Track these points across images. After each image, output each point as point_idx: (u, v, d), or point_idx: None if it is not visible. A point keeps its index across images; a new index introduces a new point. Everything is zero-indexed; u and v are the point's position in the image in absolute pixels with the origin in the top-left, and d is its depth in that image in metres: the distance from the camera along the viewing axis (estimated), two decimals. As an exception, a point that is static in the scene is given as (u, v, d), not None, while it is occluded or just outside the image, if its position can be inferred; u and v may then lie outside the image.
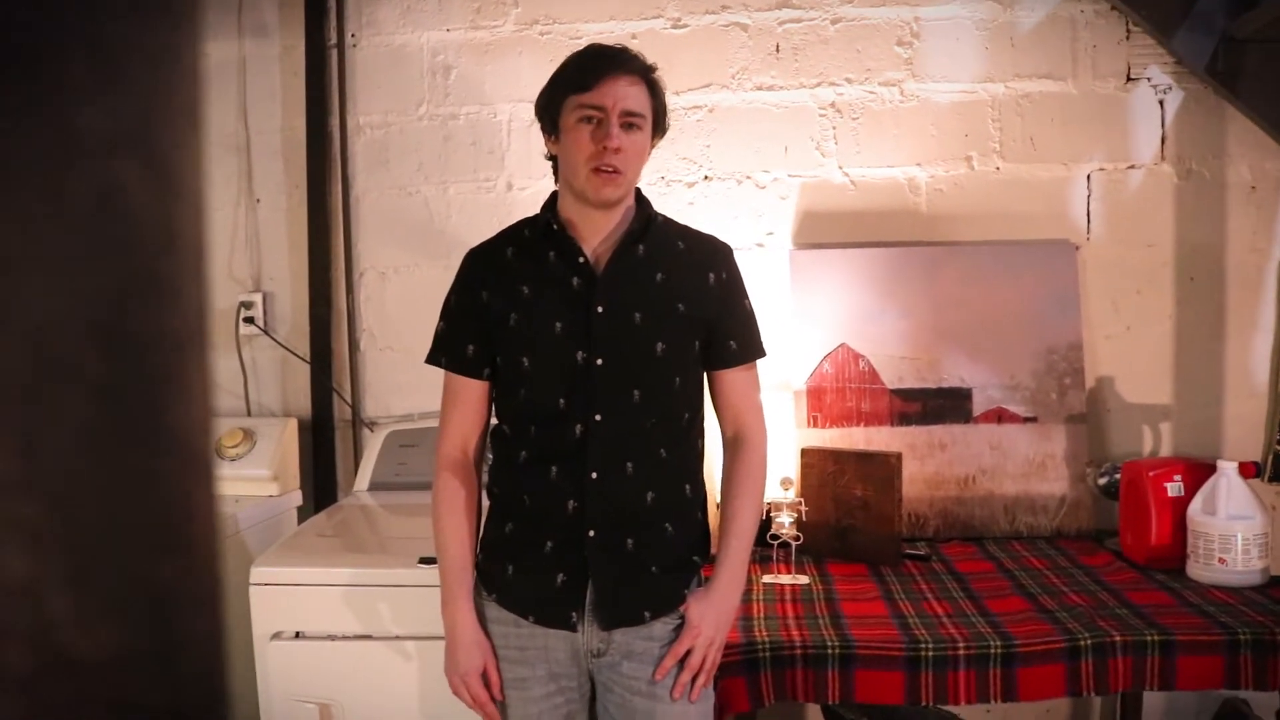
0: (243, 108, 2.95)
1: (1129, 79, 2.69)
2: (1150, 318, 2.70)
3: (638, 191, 1.77)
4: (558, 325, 1.68)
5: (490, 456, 1.82)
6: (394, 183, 2.90)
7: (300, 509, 2.78)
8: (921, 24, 2.74)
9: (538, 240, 1.75)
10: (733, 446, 1.79)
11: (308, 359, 2.90)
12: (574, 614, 1.68)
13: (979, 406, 2.66)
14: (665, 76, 2.68)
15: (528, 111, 2.82)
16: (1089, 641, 1.90)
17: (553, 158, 1.76)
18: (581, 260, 1.69)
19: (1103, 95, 2.70)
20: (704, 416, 1.80)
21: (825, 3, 2.75)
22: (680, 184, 2.79)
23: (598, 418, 1.66)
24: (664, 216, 1.79)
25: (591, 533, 1.66)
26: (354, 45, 2.90)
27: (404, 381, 2.91)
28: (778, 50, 2.77)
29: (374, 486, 2.60)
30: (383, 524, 2.44)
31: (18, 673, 0.26)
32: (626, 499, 1.68)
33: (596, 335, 1.67)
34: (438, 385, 2.88)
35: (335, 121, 2.89)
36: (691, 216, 2.63)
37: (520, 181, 2.86)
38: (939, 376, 2.67)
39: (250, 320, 2.91)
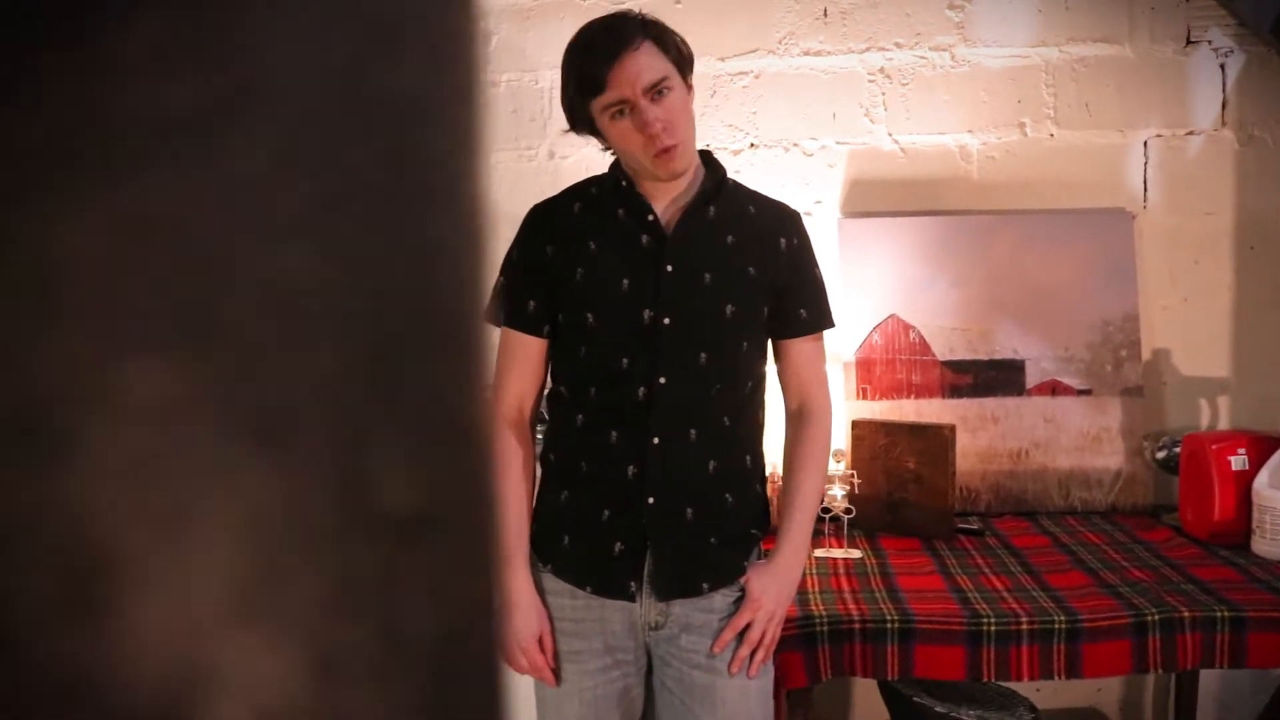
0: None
1: (1189, 42, 2.65)
2: (1209, 288, 2.67)
3: (708, 153, 1.76)
4: (625, 282, 1.66)
5: (545, 422, 1.81)
6: (433, 151, 2.88)
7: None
8: (974, -14, 2.70)
9: (606, 197, 1.74)
10: (796, 419, 1.78)
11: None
12: (632, 584, 1.67)
13: (1032, 379, 2.64)
14: (710, 42, 2.69)
15: (569, 78, 2.83)
16: (1156, 617, 1.88)
17: (609, 148, 1.73)
18: (651, 218, 1.68)
19: (1161, 59, 2.66)
20: (765, 388, 1.79)
21: (875, -35, 2.72)
22: (725, 151, 2.76)
23: (662, 380, 1.64)
24: (734, 180, 1.78)
25: (651, 500, 1.65)
26: (391, 11, 2.87)
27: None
28: (825, 15, 2.73)
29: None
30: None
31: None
32: (688, 467, 1.66)
33: (665, 294, 1.65)
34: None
35: (373, 89, 2.86)
36: (739, 185, 2.61)
37: (563, 150, 2.83)
38: (991, 348, 2.65)
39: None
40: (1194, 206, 2.66)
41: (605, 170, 1.80)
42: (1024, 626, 1.90)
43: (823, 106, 2.74)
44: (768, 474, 1.86)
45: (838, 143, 2.75)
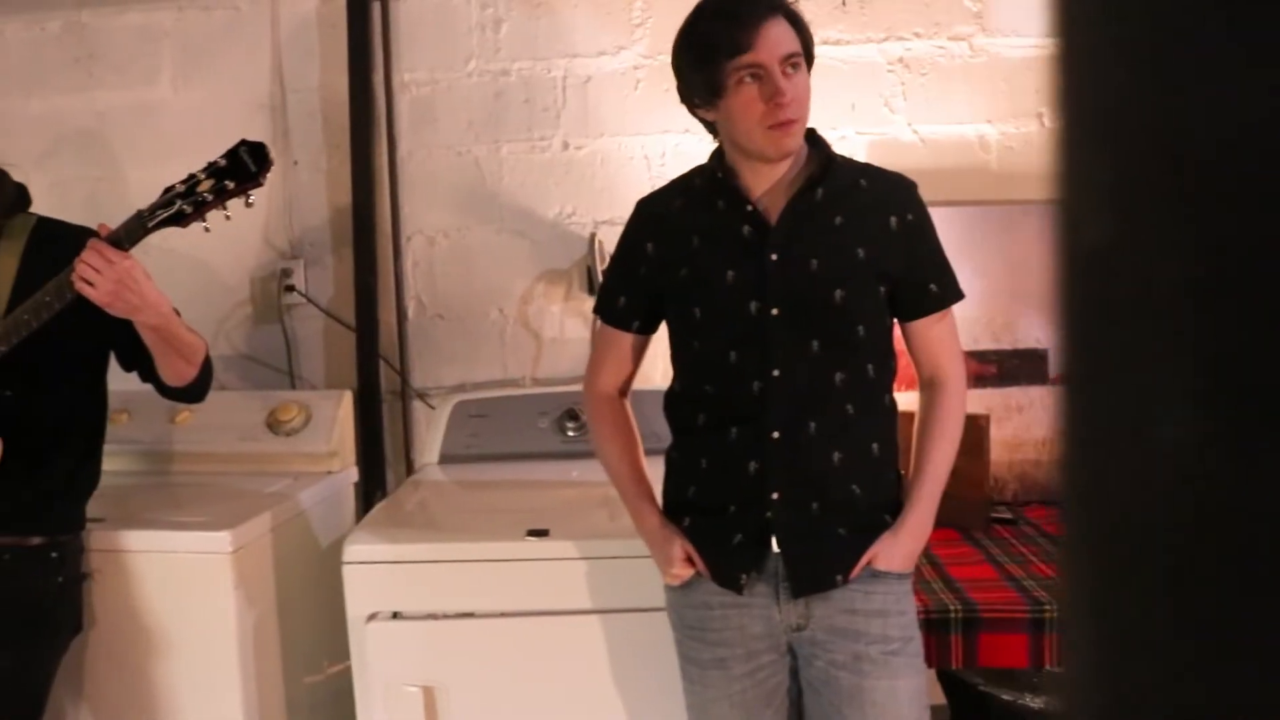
0: (277, 64, 2.89)
1: (1202, 32, 2.73)
2: (1223, 275, 2.76)
3: (813, 132, 1.74)
4: (729, 274, 1.66)
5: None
6: (442, 142, 2.86)
7: (356, 485, 2.75)
8: (992, -24, 2.76)
9: (705, 189, 1.74)
10: (929, 389, 1.77)
11: (353, 327, 2.86)
12: (744, 576, 1.67)
13: (1055, 367, 2.70)
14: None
15: (583, 67, 2.84)
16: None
17: (703, 120, 1.73)
18: (750, 208, 1.68)
19: (1175, 49, 2.74)
20: (894, 370, 1.76)
21: (893, -46, 2.76)
22: (744, 142, 2.78)
23: (775, 373, 1.65)
24: (844, 156, 1.76)
25: (775, 495, 1.65)
26: (397, -2, 2.85)
27: (456, 351, 2.89)
28: (844, 4, 2.77)
29: (444, 460, 2.58)
30: (472, 497, 2.42)
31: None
32: (811, 460, 1.66)
33: (771, 284, 1.65)
34: (491, 354, 2.89)
35: (379, 78, 2.83)
36: (764, 175, 2.64)
37: (577, 140, 2.83)
38: (1014, 337, 2.71)
39: (291, 288, 2.86)
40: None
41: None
42: (1086, 612, 1.95)
43: (842, 96, 2.78)
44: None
45: (857, 132, 2.79)
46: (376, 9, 2.83)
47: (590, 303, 2.81)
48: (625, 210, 2.74)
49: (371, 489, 2.81)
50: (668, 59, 2.75)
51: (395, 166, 2.86)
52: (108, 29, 2.95)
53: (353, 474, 2.72)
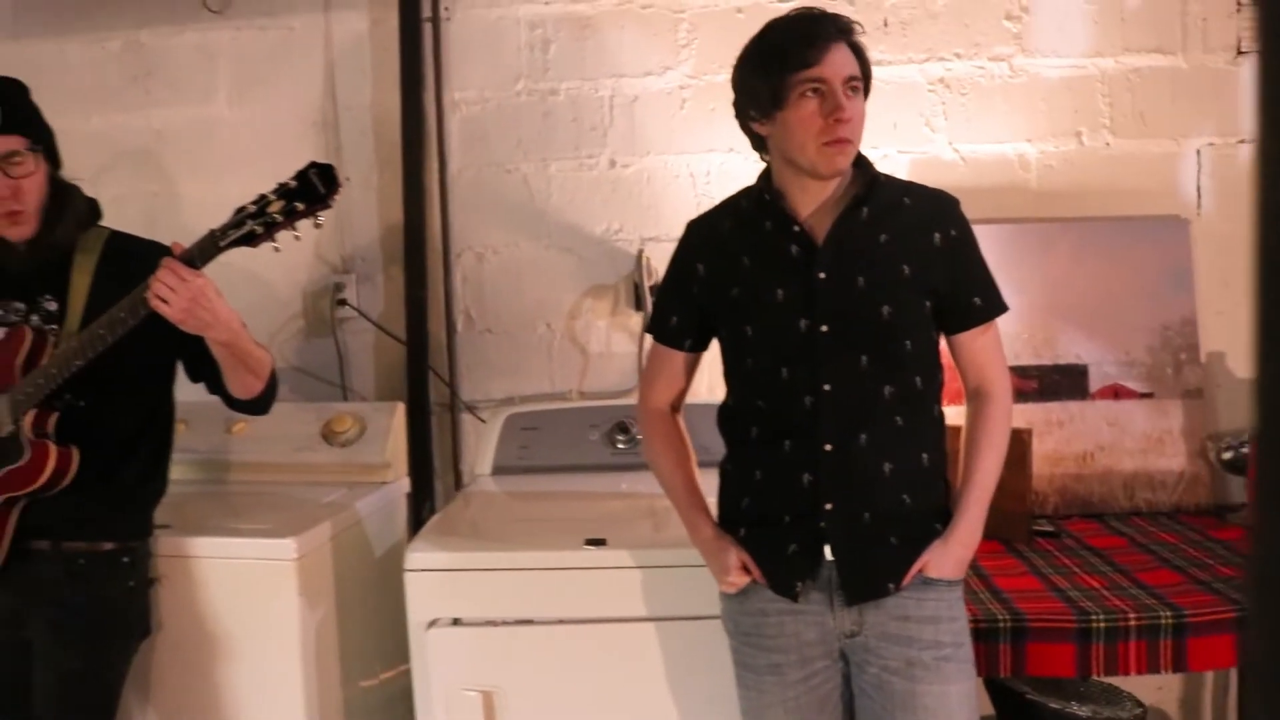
0: (330, 83, 2.99)
1: (1240, 52, 2.80)
2: (1261, 293, 2.82)
3: (858, 154, 1.80)
4: (779, 293, 1.74)
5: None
6: (492, 160, 2.95)
7: (407, 495, 2.83)
8: (1031, -2, 2.83)
9: (753, 210, 1.81)
10: (975, 400, 1.84)
11: (404, 341, 2.94)
12: (799, 584, 1.74)
13: (1095, 382, 2.76)
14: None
15: (630, 87, 2.92)
16: (1259, 611, 2.00)
17: (755, 135, 1.80)
18: (797, 229, 1.75)
19: (1213, 69, 2.81)
20: (941, 382, 1.83)
21: (935, -24, 2.84)
22: (788, 160, 2.86)
23: (826, 388, 1.72)
24: (887, 175, 1.83)
25: (828, 506, 1.72)
26: (448, 19, 2.94)
27: (504, 364, 2.97)
28: (885, 25, 2.85)
29: (497, 470, 2.66)
30: (526, 507, 2.50)
31: None
32: (862, 471, 1.73)
33: (819, 302, 1.72)
34: (539, 368, 2.97)
35: (430, 97, 2.93)
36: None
37: (624, 158, 2.92)
38: (1055, 353, 2.77)
39: (343, 303, 2.95)
40: (1246, 213, 2.79)
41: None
42: (1131, 623, 2.00)
43: (883, 116, 2.85)
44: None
45: (899, 151, 2.86)
46: (428, 30, 2.92)
47: (636, 318, 2.91)
48: (671, 227, 2.87)
49: (420, 500, 2.89)
50: (713, 79, 2.88)
51: (446, 184, 2.95)
52: (166, 48, 3.05)
53: (405, 484, 2.80)
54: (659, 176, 2.92)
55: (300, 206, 1.83)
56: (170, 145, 3.07)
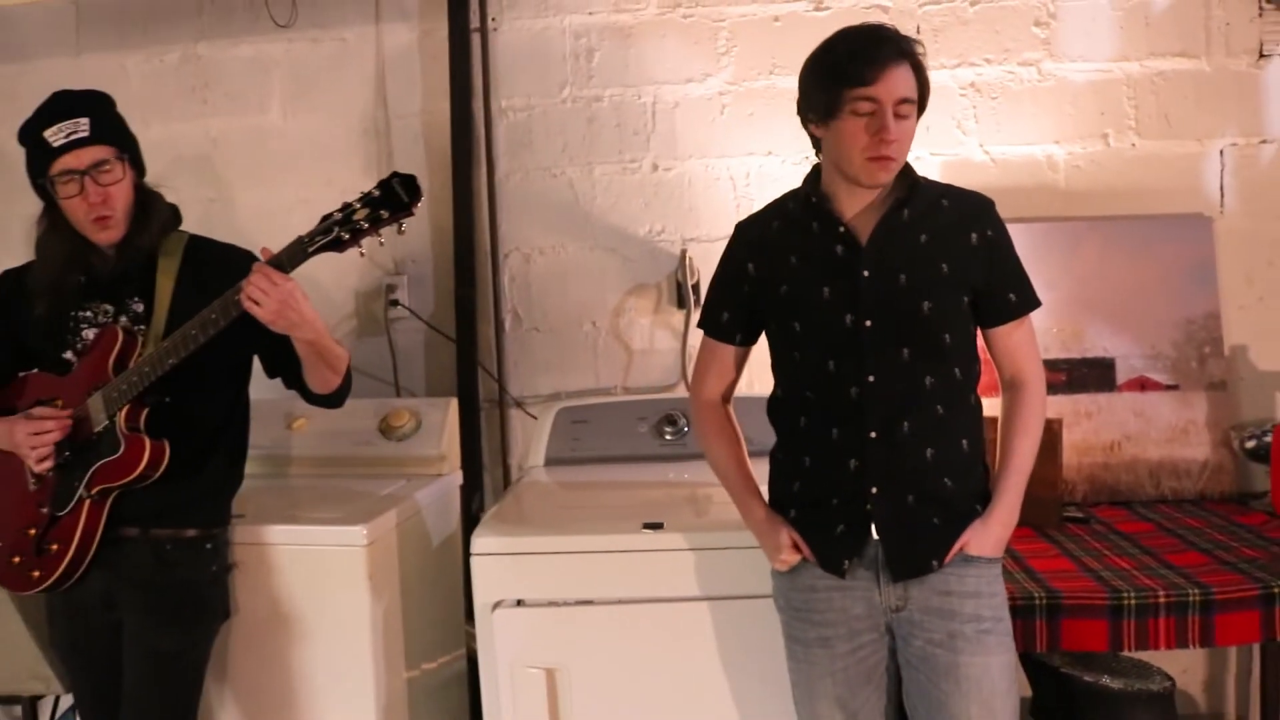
0: (381, 92, 3.15)
1: (1262, 55, 2.94)
2: (1282, 288, 2.97)
3: None
4: (825, 290, 1.88)
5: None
6: (538, 164, 3.11)
7: (460, 487, 2.98)
8: (1058, 5, 2.98)
9: (800, 212, 1.95)
10: (1010, 389, 1.98)
11: (454, 339, 3.10)
12: (846, 562, 1.89)
13: (1122, 375, 2.90)
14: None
15: (671, 94, 3.08)
16: (1281, 590, 2.14)
17: (812, 135, 1.92)
18: (842, 230, 1.89)
19: (1236, 72, 2.95)
20: (978, 373, 1.97)
21: (964, -16, 2.99)
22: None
23: (871, 379, 1.86)
24: (926, 178, 1.96)
25: (874, 490, 1.87)
26: (495, 29, 3.09)
27: (550, 361, 3.13)
28: (918, 31, 2.98)
29: (550, 462, 2.81)
30: (581, 495, 2.65)
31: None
32: (906, 457, 1.87)
33: (864, 299, 1.86)
34: (584, 364, 3.12)
35: (479, 105, 3.08)
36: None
37: (665, 162, 3.07)
38: (1083, 347, 2.92)
39: (396, 303, 3.11)
40: (1268, 211, 2.95)
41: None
42: (1161, 600, 2.14)
43: (916, 119, 2.99)
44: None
45: (931, 154, 3.00)
46: (476, 40, 3.08)
47: (678, 315, 3.06)
48: (711, 228, 3.03)
49: (470, 492, 3.04)
50: (751, 85, 3.04)
51: (494, 187, 3.11)
52: (222, 60, 3.21)
53: (458, 476, 2.95)
54: (699, 179, 3.08)
55: (385, 214, 1.94)
56: (226, 153, 3.23)
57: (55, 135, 2.14)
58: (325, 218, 1.98)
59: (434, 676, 2.74)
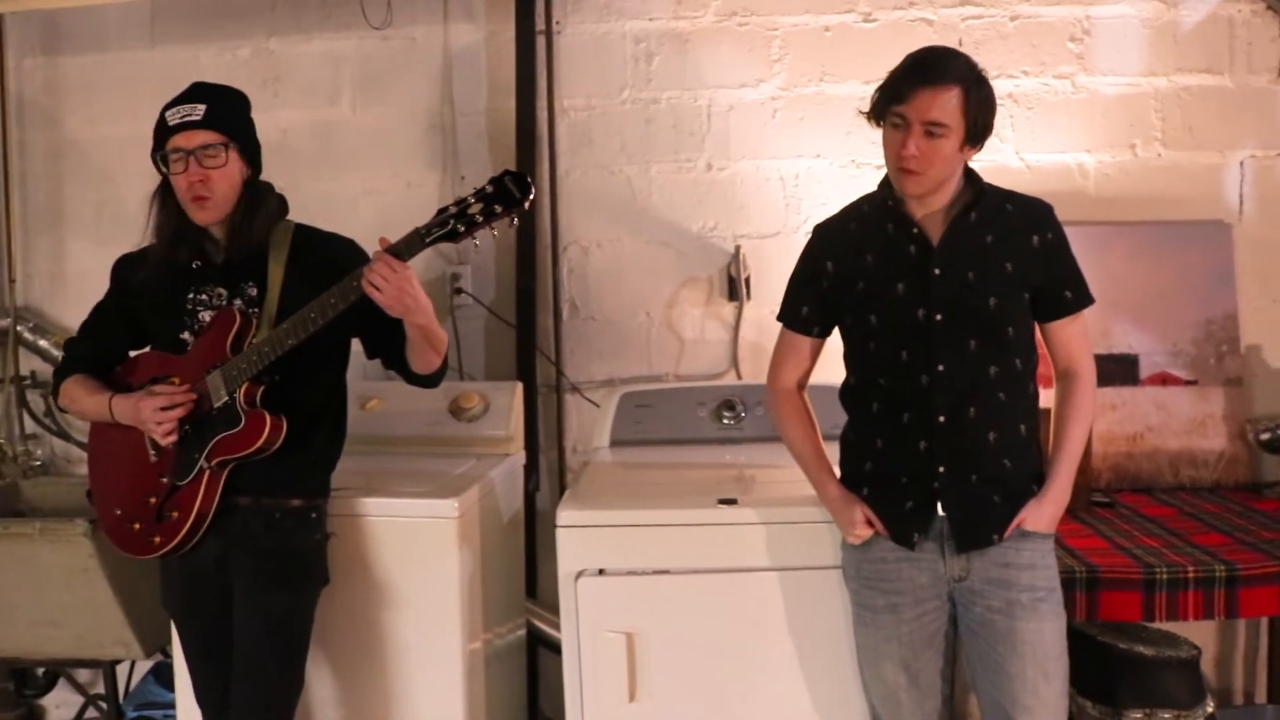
0: (448, 89, 3.37)
1: (1280, 74, 3.22)
2: (1295, 292, 3.25)
3: (967, 168, 2.17)
4: (899, 287, 2.13)
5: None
6: (597, 162, 3.35)
7: (524, 467, 3.21)
8: (1092, 21, 3.24)
9: (875, 214, 2.20)
10: (1064, 379, 2.24)
11: (514, 325, 3.33)
12: (915, 535, 2.14)
13: (1145, 371, 3.18)
14: (856, 68, 3.19)
15: (726, 97, 3.33)
16: (1300, 566, 2.42)
17: None
18: (915, 231, 2.14)
19: (1256, 87, 3.23)
20: (1036, 364, 2.21)
21: (1005, 1, 3.24)
22: (869, 166, 3.26)
23: (940, 368, 2.11)
24: (992, 185, 2.20)
25: (941, 469, 2.12)
26: (559, 32, 3.33)
27: (605, 349, 3.37)
28: (960, 44, 3.23)
29: (615, 443, 3.05)
30: (651, 474, 2.88)
31: None
32: (970, 439, 2.12)
33: (935, 294, 2.11)
34: (638, 353, 3.37)
35: (542, 104, 3.31)
36: (892, 197, 3.12)
37: (719, 163, 3.32)
38: (1109, 344, 3.19)
39: (460, 291, 3.34)
40: (1285, 219, 3.24)
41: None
42: (1190, 574, 2.41)
43: (957, 126, 3.25)
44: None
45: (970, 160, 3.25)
46: (541, 42, 3.31)
47: (729, 307, 3.32)
48: (761, 225, 3.29)
49: (529, 472, 3.28)
50: (802, 91, 3.30)
51: (555, 183, 3.35)
52: (293, 55, 3.43)
53: (523, 457, 3.18)
54: (751, 179, 3.33)
55: (498, 209, 2.12)
56: (296, 144, 3.43)
57: (174, 115, 2.33)
58: (441, 211, 2.15)
59: (502, 644, 2.97)
